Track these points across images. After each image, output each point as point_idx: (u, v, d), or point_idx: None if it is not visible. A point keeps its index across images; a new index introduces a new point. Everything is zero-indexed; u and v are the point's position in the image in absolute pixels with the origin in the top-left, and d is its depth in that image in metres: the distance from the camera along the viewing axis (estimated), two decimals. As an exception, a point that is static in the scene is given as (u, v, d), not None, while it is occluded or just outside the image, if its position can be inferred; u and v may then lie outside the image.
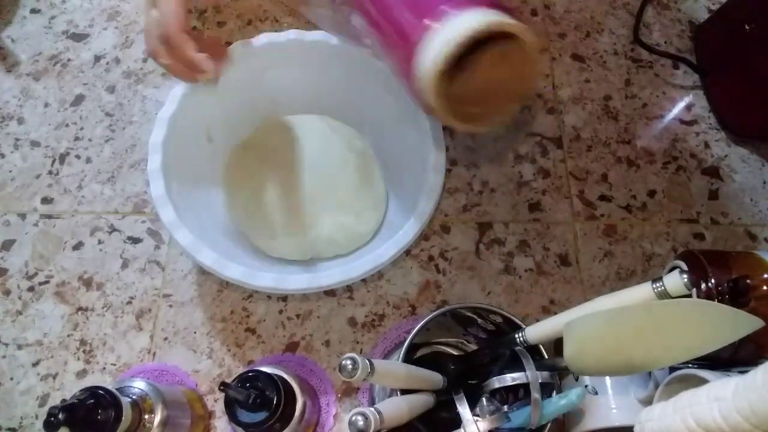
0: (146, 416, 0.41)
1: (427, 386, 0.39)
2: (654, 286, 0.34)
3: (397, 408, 0.35)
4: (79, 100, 0.63)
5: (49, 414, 0.34)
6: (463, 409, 0.38)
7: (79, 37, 0.66)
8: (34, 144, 0.61)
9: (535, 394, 0.37)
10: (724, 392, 0.28)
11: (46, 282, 0.55)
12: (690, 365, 0.39)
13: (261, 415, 0.40)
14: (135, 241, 0.56)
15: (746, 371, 0.28)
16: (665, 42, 0.69)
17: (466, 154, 0.61)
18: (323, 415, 0.50)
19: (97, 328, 0.53)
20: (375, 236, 0.53)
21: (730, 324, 0.30)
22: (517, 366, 0.39)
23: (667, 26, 0.70)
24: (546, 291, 0.56)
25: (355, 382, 0.51)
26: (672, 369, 0.39)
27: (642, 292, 0.34)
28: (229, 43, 0.50)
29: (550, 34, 0.68)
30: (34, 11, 0.68)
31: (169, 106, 0.48)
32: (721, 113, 0.64)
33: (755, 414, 0.26)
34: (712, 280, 0.39)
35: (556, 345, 0.48)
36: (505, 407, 0.40)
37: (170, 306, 0.54)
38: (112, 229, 0.57)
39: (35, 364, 0.52)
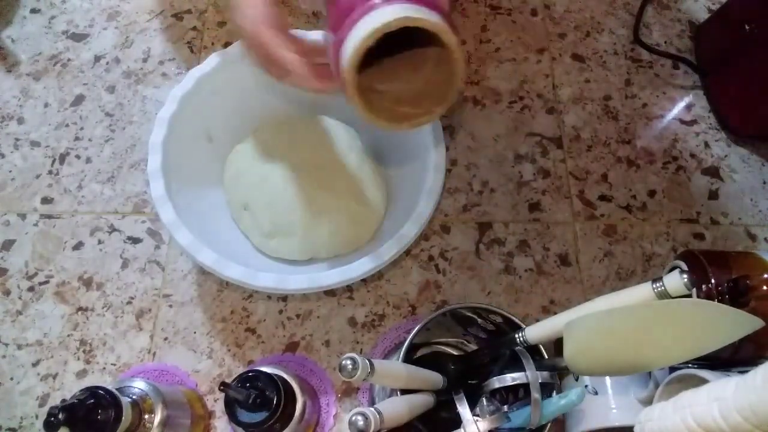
0: (146, 416, 0.41)
1: (427, 386, 0.39)
2: (654, 286, 0.34)
3: (397, 408, 0.35)
4: (79, 100, 0.63)
5: (49, 414, 0.34)
6: (463, 409, 0.38)
7: (79, 37, 0.66)
8: (34, 144, 0.61)
9: (535, 394, 0.37)
10: (724, 392, 0.28)
11: (46, 282, 0.55)
12: (690, 365, 0.39)
13: (261, 415, 0.40)
14: (135, 241, 0.56)
15: (746, 371, 0.28)
16: (665, 42, 0.69)
17: (466, 154, 0.61)
18: (323, 415, 0.50)
19: (97, 328, 0.53)
20: (375, 236, 0.53)
21: (730, 324, 0.30)
22: (517, 366, 0.39)
23: (667, 26, 0.70)
24: (546, 291, 0.56)
25: (355, 382, 0.51)
26: (672, 369, 0.39)
27: (642, 292, 0.34)
28: (229, 43, 0.50)
29: (550, 34, 0.68)
30: (34, 11, 0.68)
31: (169, 106, 0.48)
32: (721, 113, 0.64)
33: (755, 414, 0.26)
34: (712, 280, 0.39)
35: (556, 345, 0.48)
36: (505, 407, 0.40)
37: (170, 306, 0.54)
38: (112, 229, 0.57)
39: (35, 364, 0.52)
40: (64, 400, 0.36)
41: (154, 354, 0.52)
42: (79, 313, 0.53)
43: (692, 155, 0.63)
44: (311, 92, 0.40)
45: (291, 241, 0.51)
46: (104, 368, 0.52)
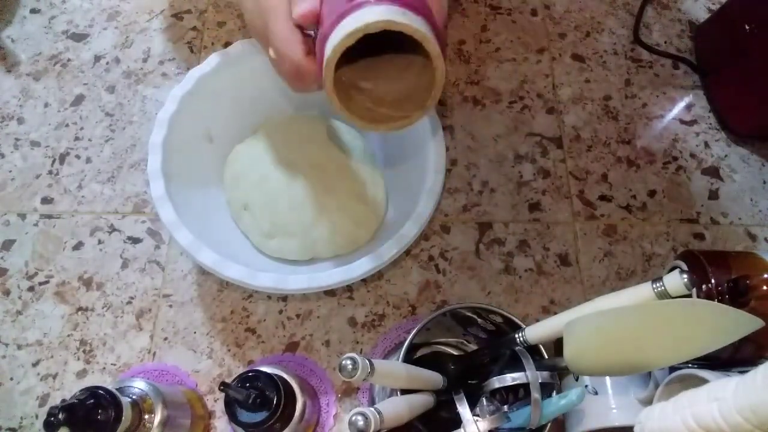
0: (146, 416, 0.41)
1: (427, 386, 0.39)
2: (654, 286, 0.34)
3: (397, 408, 0.35)
4: (79, 100, 0.63)
5: (49, 414, 0.34)
6: (463, 409, 0.38)
7: (79, 37, 0.66)
8: (34, 144, 0.61)
9: (535, 394, 0.37)
10: (724, 392, 0.28)
11: (46, 282, 0.55)
12: (690, 365, 0.39)
13: (261, 415, 0.40)
14: (135, 241, 0.56)
15: (746, 371, 0.28)
16: (665, 42, 0.69)
17: (466, 154, 0.61)
18: (323, 415, 0.50)
19: (97, 328, 0.53)
20: (375, 236, 0.53)
21: (730, 324, 0.30)
22: (517, 366, 0.39)
23: (667, 26, 0.70)
24: (546, 291, 0.56)
25: (355, 382, 0.51)
26: (672, 369, 0.39)
27: (642, 292, 0.34)
28: (229, 43, 0.50)
29: (550, 34, 0.68)
30: (34, 11, 0.68)
31: (169, 106, 0.48)
32: (721, 113, 0.64)
33: (755, 414, 0.26)
34: (712, 280, 0.40)
35: (556, 345, 0.48)
36: (505, 407, 0.39)
37: (170, 306, 0.54)
38: (112, 229, 0.57)
39: (35, 364, 0.52)
40: (64, 400, 0.36)
41: (154, 354, 0.52)
42: (79, 313, 0.53)
43: (692, 155, 0.63)
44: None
45: (291, 241, 0.51)
46: (104, 368, 0.52)
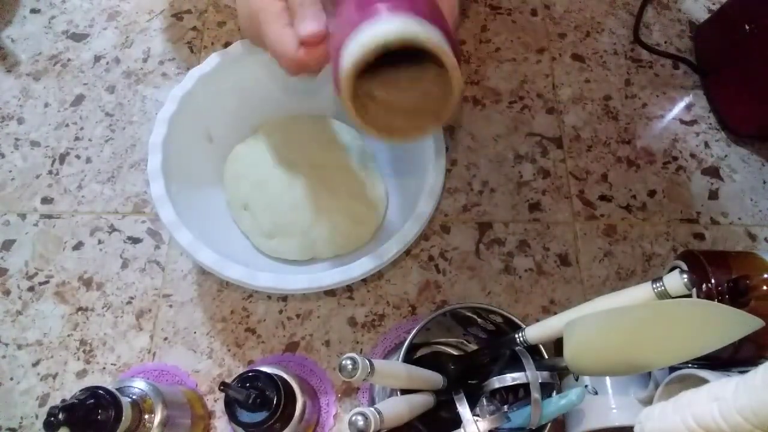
0: (146, 416, 0.41)
1: (427, 386, 0.39)
2: (654, 286, 0.34)
3: (397, 408, 0.35)
4: (79, 100, 0.63)
5: (49, 414, 0.34)
6: (463, 409, 0.38)
7: (79, 37, 0.66)
8: (34, 144, 0.61)
9: (535, 394, 0.37)
10: (724, 392, 0.28)
11: (46, 282, 0.55)
12: (690, 365, 0.39)
13: (261, 415, 0.40)
14: (135, 241, 0.56)
15: (746, 371, 0.28)
16: (665, 42, 0.69)
17: (466, 154, 0.61)
18: (323, 415, 0.50)
19: (97, 328, 0.53)
20: (375, 236, 0.53)
21: (730, 324, 0.30)
22: (517, 366, 0.39)
23: (667, 26, 0.70)
24: (546, 291, 0.56)
25: (355, 382, 0.51)
26: (672, 369, 0.39)
27: (642, 292, 0.34)
28: (229, 43, 0.50)
29: (550, 34, 0.68)
30: (34, 11, 0.68)
31: (169, 106, 0.48)
32: (721, 113, 0.64)
33: (755, 414, 0.26)
34: (712, 280, 0.40)
35: (556, 345, 0.48)
36: (505, 407, 0.40)
37: (170, 306, 0.54)
38: (112, 229, 0.57)
39: (35, 364, 0.52)
40: (64, 400, 0.36)
41: (154, 354, 0.52)
42: (79, 313, 0.53)
43: (692, 155, 0.63)
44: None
45: (291, 241, 0.51)
46: (104, 368, 0.52)
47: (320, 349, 0.53)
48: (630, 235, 0.58)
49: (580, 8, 0.70)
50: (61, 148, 0.60)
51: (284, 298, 0.54)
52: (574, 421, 0.47)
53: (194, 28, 0.67)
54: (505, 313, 0.42)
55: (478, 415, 0.39)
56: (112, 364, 0.52)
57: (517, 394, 0.41)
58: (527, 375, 0.37)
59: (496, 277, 0.56)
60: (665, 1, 0.71)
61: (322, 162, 0.54)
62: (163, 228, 0.57)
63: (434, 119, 0.36)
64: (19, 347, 0.52)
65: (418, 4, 0.32)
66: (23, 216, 0.57)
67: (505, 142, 0.62)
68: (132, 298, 0.54)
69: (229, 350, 0.52)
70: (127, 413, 0.38)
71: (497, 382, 0.39)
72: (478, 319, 0.43)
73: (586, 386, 0.46)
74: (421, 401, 0.38)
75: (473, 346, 0.46)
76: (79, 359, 0.52)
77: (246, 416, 0.40)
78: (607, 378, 0.46)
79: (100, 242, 0.56)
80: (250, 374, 0.41)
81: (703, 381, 0.34)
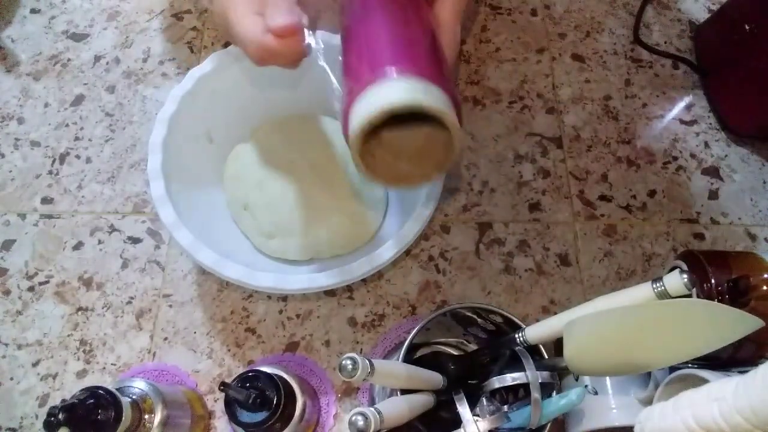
0: (146, 416, 0.41)
1: (427, 386, 0.39)
2: (654, 286, 0.34)
3: (397, 408, 0.35)
4: (79, 100, 0.63)
5: (49, 414, 0.34)
6: (463, 409, 0.38)
7: (79, 37, 0.66)
8: (34, 144, 0.61)
9: (535, 394, 0.37)
10: (724, 392, 0.28)
11: (46, 282, 0.55)
12: (690, 365, 0.39)
13: (261, 415, 0.40)
14: (135, 241, 0.56)
15: (746, 371, 0.28)
16: (665, 42, 0.69)
17: (466, 154, 0.61)
18: (323, 415, 0.50)
19: (97, 328, 0.53)
20: (375, 236, 0.53)
21: (730, 324, 0.30)
22: (517, 366, 0.39)
23: (667, 26, 0.70)
24: (546, 291, 0.56)
25: (355, 382, 0.51)
26: (672, 369, 0.39)
27: (642, 292, 0.34)
28: (229, 43, 0.50)
29: (550, 34, 0.68)
30: (34, 11, 0.68)
31: (169, 106, 0.48)
32: (721, 113, 0.64)
33: (755, 414, 0.26)
34: (712, 280, 0.40)
35: (556, 345, 0.48)
36: (505, 407, 0.40)
37: (170, 306, 0.54)
38: (112, 229, 0.57)
39: (35, 364, 0.52)
40: (64, 400, 0.36)
41: (154, 354, 0.52)
42: (79, 313, 0.53)
43: (692, 155, 0.63)
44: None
45: (291, 241, 0.51)
46: (104, 368, 0.52)
47: (320, 349, 0.53)
48: (630, 235, 0.58)
49: (580, 8, 0.70)
50: (61, 148, 0.60)
51: (284, 298, 0.54)
52: (574, 421, 0.47)
53: (194, 28, 0.67)
54: (505, 313, 0.42)
55: (478, 415, 0.39)
56: (112, 364, 0.52)
57: (517, 394, 0.41)
58: (527, 375, 0.37)
59: (496, 277, 0.56)
60: (665, 1, 0.71)
61: (323, 162, 0.54)
62: (163, 228, 0.57)
63: (437, 167, 0.37)
64: (19, 347, 0.52)
65: (424, 67, 0.34)
66: (23, 216, 0.57)
67: (505, 142, 0.62)
68: (132, 298, 0.54)
69: (229, 350, 0.52)
70: (127, 413, 0.38)
71: (497, 382, 0.39)
72: (478, 319, 0.43)
73: (586, 386, 0.46)
74: (421, 401, 0.38)
75: (473, 346, 0.46)
76: (79, 359, 0.52)
77: (246, 416, 0.40)
78: (607, 378, 0.46)
79: (100, 242, 0.56)
80: (250, 374, 0.41)
81: (703, 381, 0.34)
